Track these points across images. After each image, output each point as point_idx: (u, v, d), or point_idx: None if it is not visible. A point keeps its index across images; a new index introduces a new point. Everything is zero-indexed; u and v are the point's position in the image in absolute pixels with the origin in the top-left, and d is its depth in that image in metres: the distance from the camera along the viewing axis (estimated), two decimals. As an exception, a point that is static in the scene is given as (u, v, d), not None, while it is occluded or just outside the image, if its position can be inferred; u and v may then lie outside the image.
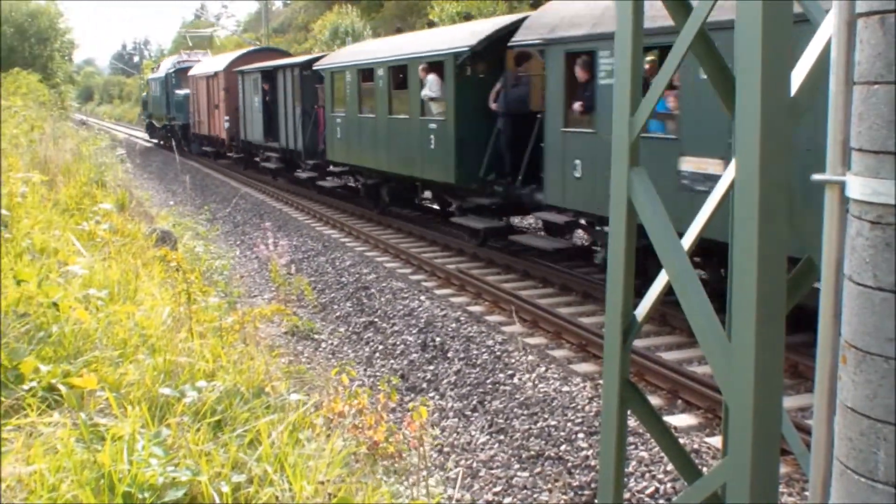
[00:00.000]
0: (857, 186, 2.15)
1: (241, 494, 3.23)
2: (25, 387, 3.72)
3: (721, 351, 2.92)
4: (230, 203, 21.84)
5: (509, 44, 12.47)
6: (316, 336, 11.09)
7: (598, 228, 10.76)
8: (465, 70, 13.41)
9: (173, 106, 35.02)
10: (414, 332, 10.47)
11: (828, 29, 2.98)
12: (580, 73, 10.74)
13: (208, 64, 31.83)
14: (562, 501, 6.31)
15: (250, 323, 6.38)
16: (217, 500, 3.06)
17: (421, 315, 10.90)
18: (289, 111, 22.10)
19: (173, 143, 30.32)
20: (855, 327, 2.18)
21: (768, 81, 2.66)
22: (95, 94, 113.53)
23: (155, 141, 40.81)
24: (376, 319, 11.28)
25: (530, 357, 8.79)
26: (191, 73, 32.59)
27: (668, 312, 9.49)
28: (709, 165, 8.47)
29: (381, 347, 10.36)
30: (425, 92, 14.39)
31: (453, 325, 10.29)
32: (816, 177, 2.40)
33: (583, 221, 11.78)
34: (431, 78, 14.25)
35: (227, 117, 27.28)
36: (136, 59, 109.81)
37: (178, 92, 34.03)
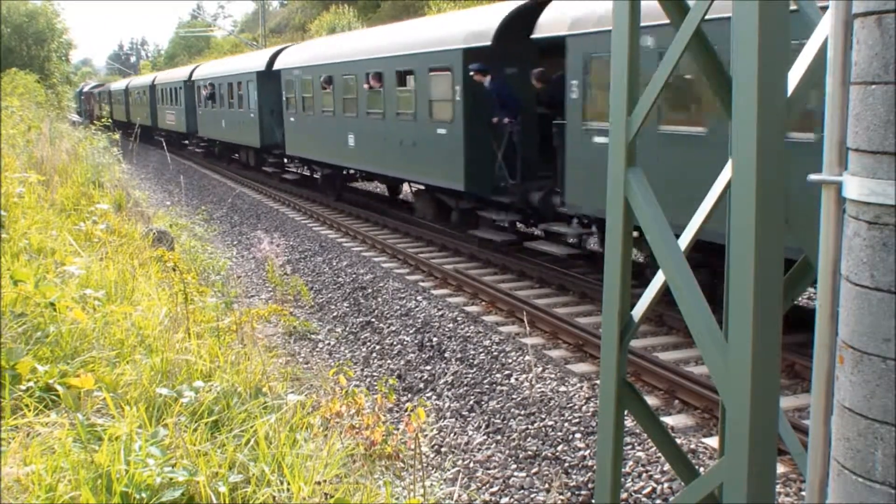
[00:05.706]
0: (855, 187, 2.16)
1: (239, 494, 3.23)
2: (23, 387, 3.72)
3: (718, 351, 2.93)
4: (226, 203, 21.84)
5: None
6: (313, 336, 11.08)
7: None
8: None
9: (85, 103, 75.06)
10: (411, 332, 10.46)
11: (825, 29, 2.99)
12: None
13: (88, 87, 75.62)
14: (559, 502, 6.31)
15: (247, 323, 6.38)
16: (214, 501, 3.06)
17: (418, 315, 10.89)
18: (114, 104, 56.83)
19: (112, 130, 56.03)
20: (852, 327, 2.18)
21: (765, 81, 2.67)
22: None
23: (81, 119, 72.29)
24: (373, 319, 11.28)
25: (527, 357, 8.80)
26: (84, 90, 76.22)
27: (665, 313, 9.50)
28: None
29: (378, 347, 10.35)
30: None
31: (450, 325, 10.28)
32: (813, 177, 2.40)
33: None
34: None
35: (94, 108, 64.01)
36: (132, 59, 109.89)
37: (82, 98, 76.04)
